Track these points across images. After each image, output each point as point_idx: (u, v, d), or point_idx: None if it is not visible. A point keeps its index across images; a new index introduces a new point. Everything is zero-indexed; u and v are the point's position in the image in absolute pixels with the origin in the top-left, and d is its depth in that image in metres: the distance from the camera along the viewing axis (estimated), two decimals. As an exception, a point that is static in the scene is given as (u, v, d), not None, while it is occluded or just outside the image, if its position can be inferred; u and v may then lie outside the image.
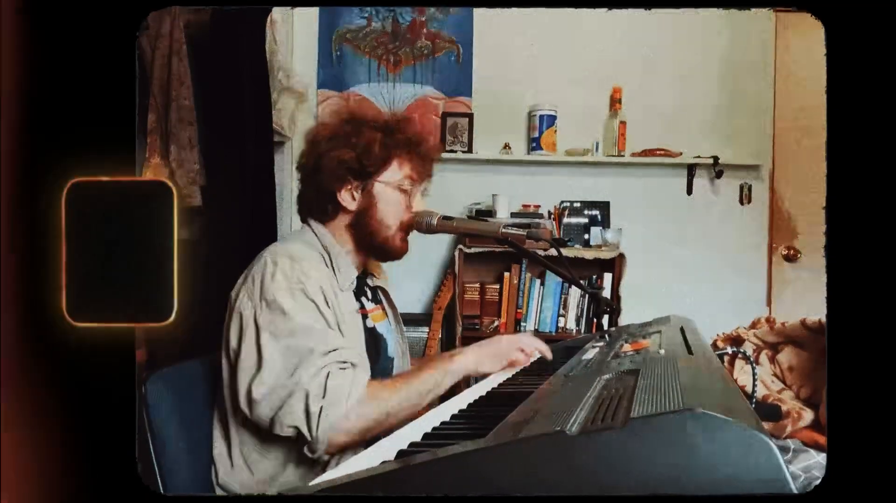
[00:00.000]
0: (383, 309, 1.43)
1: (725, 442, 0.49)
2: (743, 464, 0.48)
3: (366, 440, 1.15)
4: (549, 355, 1.35)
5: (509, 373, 1.26)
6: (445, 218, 1.34)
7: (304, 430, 1.10)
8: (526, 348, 1.33)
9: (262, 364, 1.12)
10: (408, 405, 1.15)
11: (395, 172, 1.31)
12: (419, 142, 1.33)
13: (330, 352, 1.13)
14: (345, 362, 1.14)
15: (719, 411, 0.50)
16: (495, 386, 1.16)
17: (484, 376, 1.26)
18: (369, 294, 1.40)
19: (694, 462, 0.49)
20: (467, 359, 1.25)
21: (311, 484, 0.63)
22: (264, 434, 1.17)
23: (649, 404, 0.55)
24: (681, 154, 2.95)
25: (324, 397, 1.10)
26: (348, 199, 1.30)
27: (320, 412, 1.09)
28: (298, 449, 1.15)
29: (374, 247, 1.33)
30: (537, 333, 2.82)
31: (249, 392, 1.12)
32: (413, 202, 1.34)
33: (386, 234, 1.31)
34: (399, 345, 1.44)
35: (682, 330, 1.08)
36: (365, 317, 1.34)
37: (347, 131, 1.29)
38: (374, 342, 1.35)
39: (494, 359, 1.28)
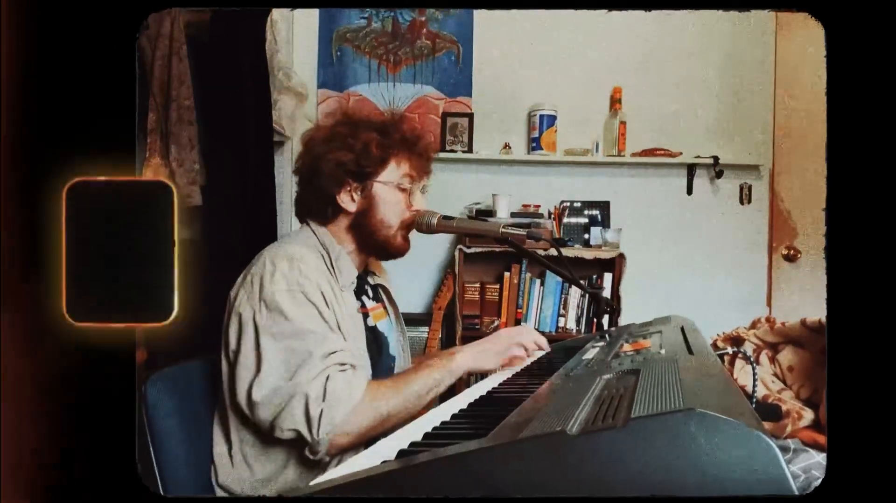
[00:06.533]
0: (384, 307, 1.43)
1: (726, 441, 0.49)
2: (743, 464, 0.48)
3: (366, 441, 1.15)
4: (546, 347, 1.37)
5: (510, 373, 1.26)
6: (445, 218, 1.34)
7: (305, 433, 1.10)
8: (527, 344, 1.32)
9: (261, 366, 1.12)
10: (408, 405, 1.16)
11: (394, 172, 1.31)
12: (416, 140, 1.33)
13: (330, 354, 1.13)
14: (344, 364, 1.15)
15: (719, 411, 0.50)
16: (496, 386, 1.16)
17: (484, 374, 1.26)
18: (370, 292, 1.40)
19: (694, 462, 0.49)
20: (466, 356, 1.24)
21: (311, 484, 0.63)
22: (264, 434, 1.17)
23: (650, 404, 0.55)
24: (681, 154, 2.95)
25: (324, 400, 1.10)
26: (348, 200, 1.30)
27: (320, 415, 1.09)
28: (299, 449, 1.15)
29: (376, 246, 1.33)
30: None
31: (250, 394, 1.12)
32: (413, 200, 1.33)
33: (387, 234, 1.31)
34: (400, 344, 1.44)
35: (682, 330, 1.08)
36: (366, 315, 1.34)
37: (343, 133, 1.29)
38: (376, 340, 1.35)
39: (494, 356, 1.28)
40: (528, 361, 1.34)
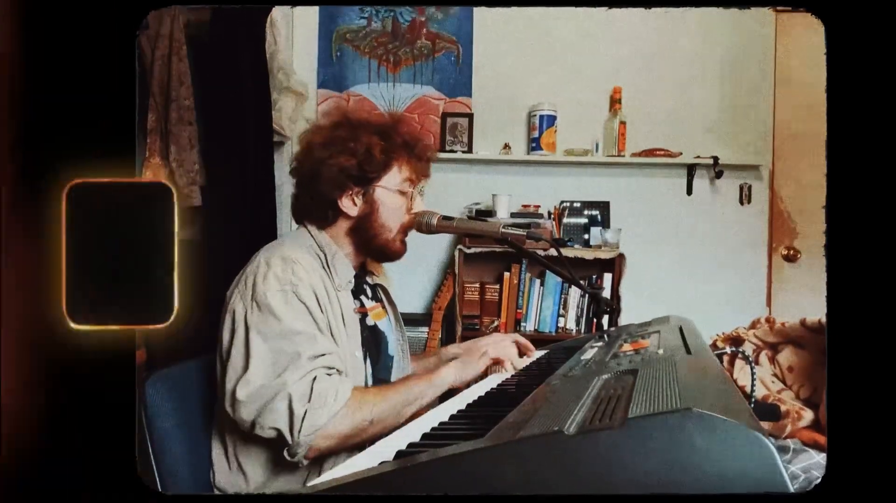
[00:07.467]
0: (383, 306, 1.43)
1: (723, 441, 0.49)
2: (740, 464, 0.48)
3: (346, 447, 1.15)
4: (530, 347, 1.39)
5: (508, 374, 1.26)
6: (445, 218, 1.35)
7: (286, 432, 1.09)
8: (501, 358, 1.31)
9: (248, 364, 1.12)
10: (390, 414, 1.16)
11: (396, 176, 1.31)
12: (415, 143, 1.33)
13: (317, 356, 1.13)
14: (331, 368, 1.14)
15: (717, 411, 0.50)
16: (494, 386, 1.16)
17: (468, 384, 1.26)
18: (369, 292, 1.40)
19: (691, 461, 0.49)
20: (449, 372, 1.25)
21: (310, 484, 0.63)
22: (255, 438, 1.16)
23: (647, 404, 0.55)
24: (681, 154, 2.95)
25: (309, 401, 1.09)
26: (349, 205, 1.29)
27: (304, 416, 1.08)
28: (279, 451, 1.13)
29: (374, 249, 1.34)
30: (537, 333, 2.82)
31: (234, 392, 1.12)
32: (413, 204, 1.34)
33: (387, 238, 1.31)
34: (399, 343, 1.44)
35: (680, 329, 1.07)
36: (364, 315, 1.34)
37: (344, 136, 1.28)
38: (375, 340, 1.35)
39: (473, 364, 1.28)
40: (527, 361, 1.34)
